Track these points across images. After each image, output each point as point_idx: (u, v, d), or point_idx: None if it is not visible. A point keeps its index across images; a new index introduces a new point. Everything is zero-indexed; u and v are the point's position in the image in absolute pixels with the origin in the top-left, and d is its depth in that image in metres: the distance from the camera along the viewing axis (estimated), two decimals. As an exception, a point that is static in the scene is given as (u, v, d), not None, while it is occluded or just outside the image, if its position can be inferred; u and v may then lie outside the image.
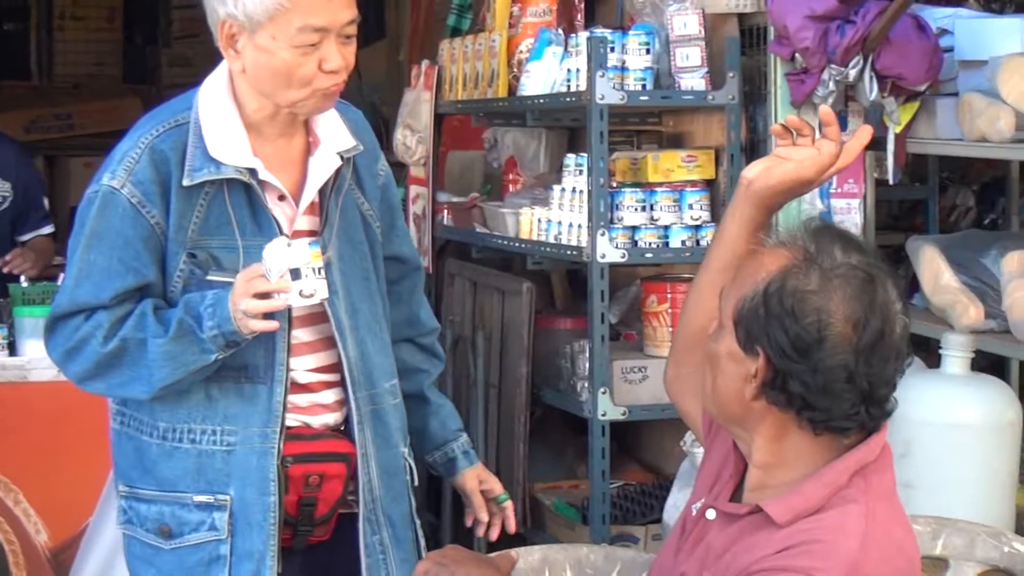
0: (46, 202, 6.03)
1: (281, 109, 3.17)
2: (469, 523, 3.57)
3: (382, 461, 3.34)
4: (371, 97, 9.12)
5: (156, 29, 12.02)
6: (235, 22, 3.09)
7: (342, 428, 3.32)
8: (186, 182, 3.12)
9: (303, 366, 3.27)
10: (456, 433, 3.59)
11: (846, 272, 2.41)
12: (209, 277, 3.15)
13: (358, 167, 3.35)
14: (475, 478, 3.56)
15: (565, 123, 5.60)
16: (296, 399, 3.25)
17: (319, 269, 3.06)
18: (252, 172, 3.16)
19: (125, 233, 3.11)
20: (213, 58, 3.30)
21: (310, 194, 3.25)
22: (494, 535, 3.58)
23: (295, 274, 3.04)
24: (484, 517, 3.54)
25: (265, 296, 3.04)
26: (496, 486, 3.57)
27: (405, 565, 3.34)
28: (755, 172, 2.69)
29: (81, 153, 9.97)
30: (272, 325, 3.09)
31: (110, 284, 3.11)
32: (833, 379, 2.38)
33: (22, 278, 5.22)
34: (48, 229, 5.94)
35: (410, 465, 3.44)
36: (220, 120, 3.16)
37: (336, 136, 3.29)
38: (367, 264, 3.36)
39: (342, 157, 3.27)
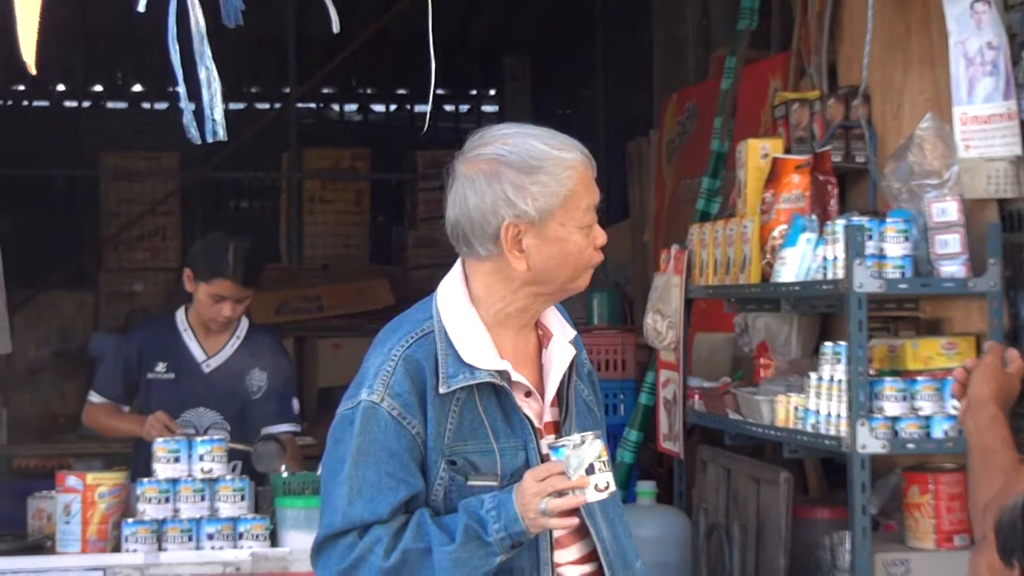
0: (296, 403, 6.05)
1: (551, 296, 3.25)
2: None
3: None
4: (615, 277, 9.17)
5: (402, 210, 12.26)
6: (521, 221, 3.16)
7: None
8: (442, 390, 3.15)
9: (565, 559, 3.26)
10: None
11: None
12: (470, 483, 3.17)
13: None
14: None
15: (819, 309, 5.55)
16: None
17: (606, 462, 3.10)
18: (502, 374, 3.20)
19: (390, 446, 3.14)
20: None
21: (553, 386, 3.29)
22: None
23: (588, 469, 3.08)
24: None
25: (560, 494, 3.06)
26: None
27: None
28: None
29: (330, 334, 10.13)
30: (572, 522, 3.12)
31: (384, 499, 3.13)
32: None
33: (283, 468, 5.28)
34: (288, 427, 5.95)
35: None
36: (464, 325, 3.21)
37: (561, 325, 3.35)
38: None
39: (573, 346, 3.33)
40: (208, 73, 3.66)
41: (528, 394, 3.26)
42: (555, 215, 3.15)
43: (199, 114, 3.68)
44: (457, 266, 3.30)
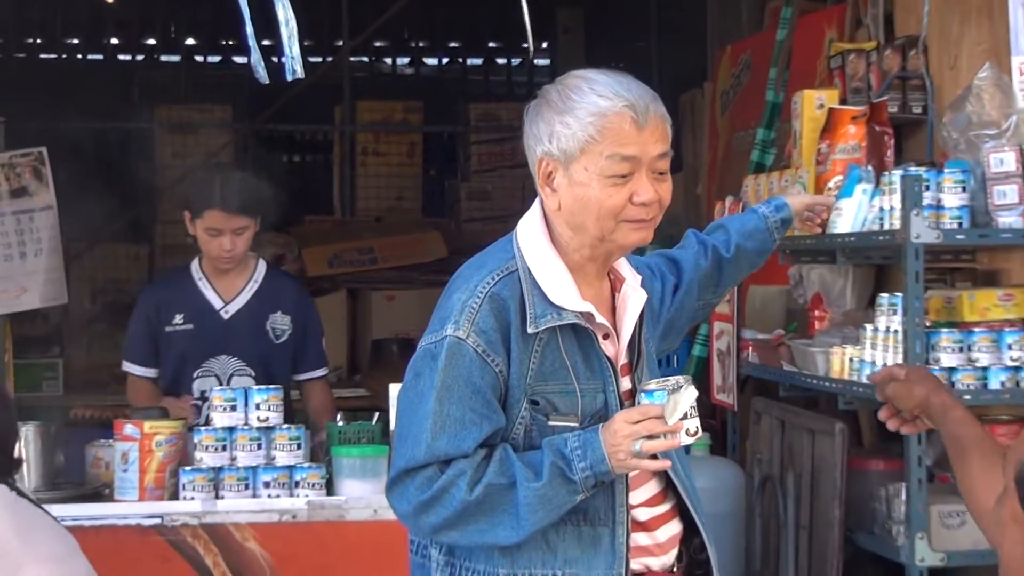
0: (324, 343, 5.99)
1: (597, 246, 3.21)
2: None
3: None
4: (668, 229, 9.12)
5: (455, 163, 12.26)
6: (551, 159, 3.18)
7: (674, 569, 3.33)
8: (530, 329, 3.16)
9: (636, 500, 3.28)
10: (752, 218, 3.99)
11: None
12: (551, 423, 3.18)
13: None
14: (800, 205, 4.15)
15: (875, 260, 5.52)
16: (637, 538, 3.27)
17: (695, 408, 3.12)
18: (586, 316, 3.21)
19: (474, 382, 3.14)
20: (511, 192, 3.40)
21: (629, 328, 3.30)
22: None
23: (683, 414, 3.11)
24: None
25: (652, 437, 3.09)
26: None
27: None
28: None
29: (383, 286, 10.12)
30: (664, 464, 3.16)
31: (468, 435, 3.13)
32: None
33: (339, 416, 5.30)
34: (321, 372, 5.93)
35: None
36: (548, 265, 3.21)
37: (629, 270, 3.35)
38: None
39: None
40: (285, 11, 3.65)
41: (606, 336, 3.28)
42: (578, 158, 3.15)
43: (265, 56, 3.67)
44: (536, 205, 3.30)
